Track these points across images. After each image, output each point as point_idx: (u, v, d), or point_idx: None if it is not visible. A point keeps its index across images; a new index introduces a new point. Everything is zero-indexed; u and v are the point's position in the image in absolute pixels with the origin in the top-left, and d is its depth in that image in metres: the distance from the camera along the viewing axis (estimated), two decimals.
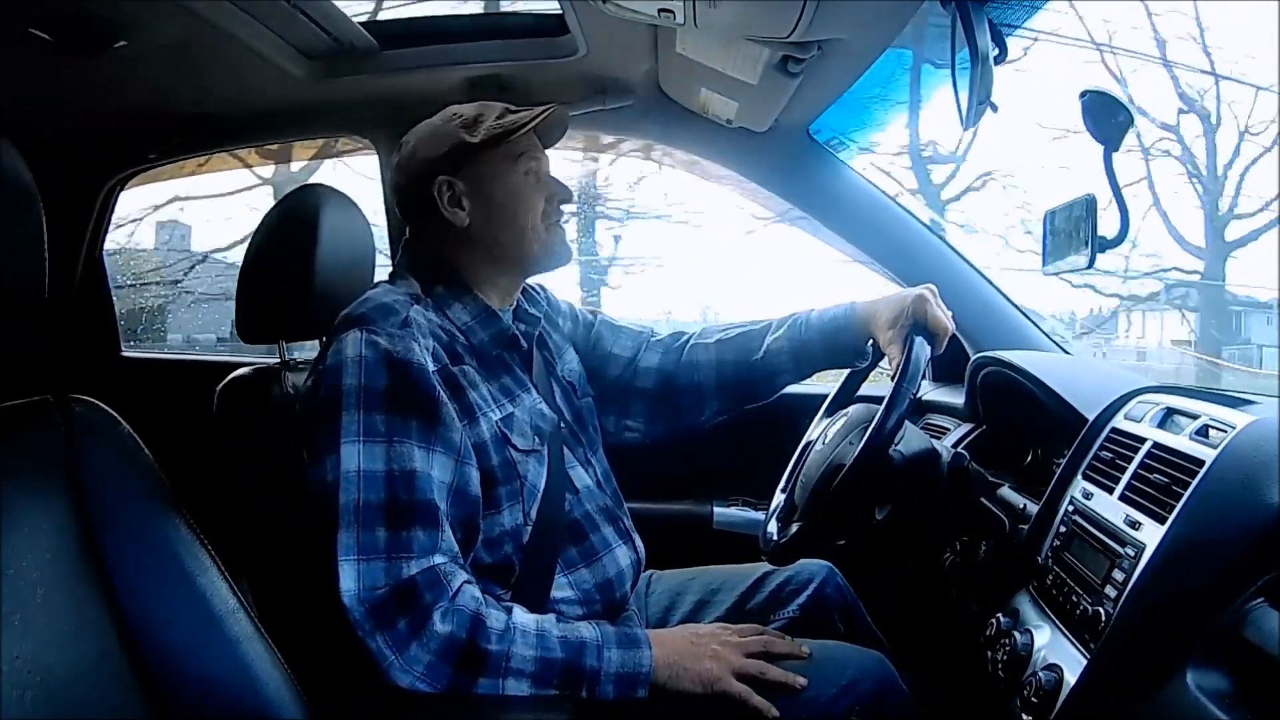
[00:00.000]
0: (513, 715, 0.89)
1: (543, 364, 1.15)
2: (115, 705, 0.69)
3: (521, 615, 0.92)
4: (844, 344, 1.19)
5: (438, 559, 0.89)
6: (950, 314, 1.12)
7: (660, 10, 1.08)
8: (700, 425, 1.27)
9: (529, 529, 1.00)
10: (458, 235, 1.07)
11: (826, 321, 1.19)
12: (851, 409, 1.17)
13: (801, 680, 0.95)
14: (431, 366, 0.95)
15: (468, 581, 0.91)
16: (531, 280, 1.18)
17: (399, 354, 0.93)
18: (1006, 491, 1.15)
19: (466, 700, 0.88)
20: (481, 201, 1.07)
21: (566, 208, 1.13)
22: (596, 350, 1.27)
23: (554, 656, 0.90)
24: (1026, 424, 1.27)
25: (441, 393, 0.94)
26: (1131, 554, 0.82)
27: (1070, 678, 0.82)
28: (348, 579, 0.87)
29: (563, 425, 1.11)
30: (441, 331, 1.01)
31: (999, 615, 0.98)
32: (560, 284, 1.25)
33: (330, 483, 0.90)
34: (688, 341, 1.27)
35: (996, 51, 0.98)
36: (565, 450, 1.08)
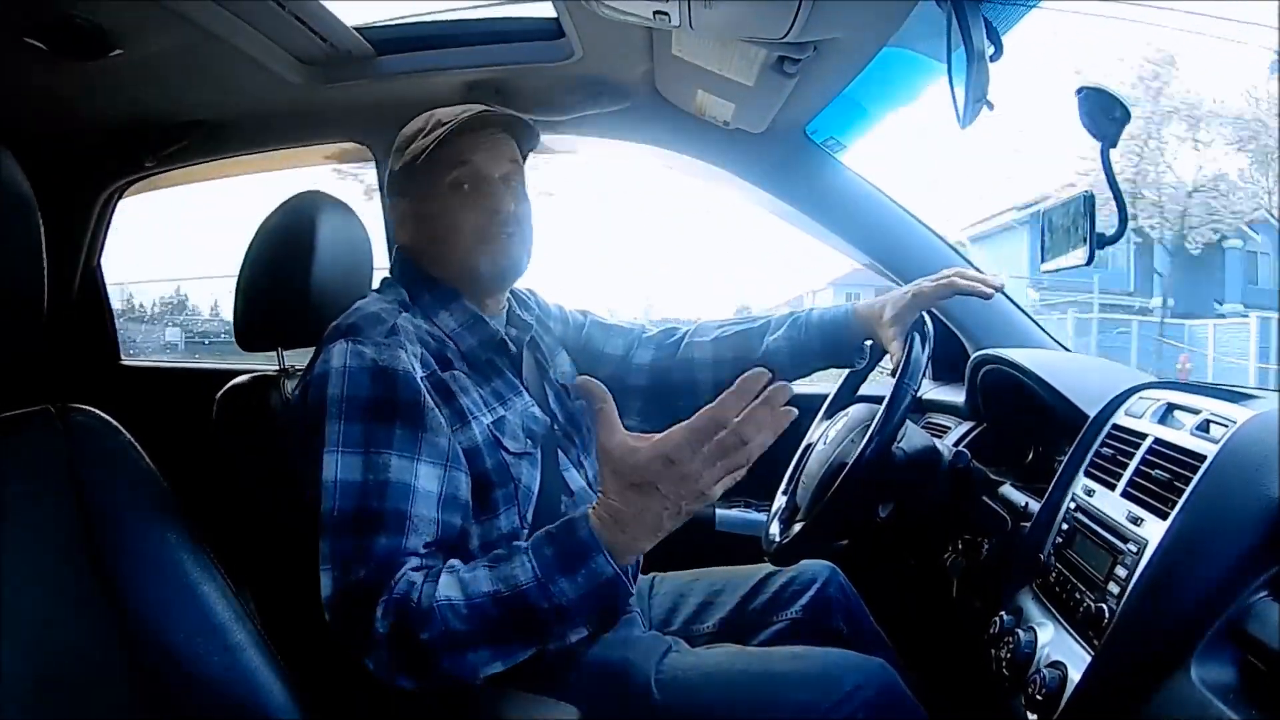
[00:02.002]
0: (515, 714, 0.88)
1: (535, 367, 1.15)
2: (118, 711, 0.69)
3: (448, 587, 0.84)
4: (844, 344, 1.19)
5: (395, 560, 0.86)
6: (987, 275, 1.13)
7: (655, 12, 1.08)
8: None
9: (525, 532, 1.00)
10: (413, 254, 1.08)
11: (826, 322, 1.19)
12: (852, 409, 1.17)
13: (793, 410, 0.80)
14: (420, 373, 0.95)
15: (413, 568, 0.86)
16: (520, 284, 1.17)
17: (384, 363, 0.93)
18: (1008, 489, 1.15)
19: (469, 703, 0.88)
20: (416, 222, 1.07)
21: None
22: (588, 350, 1.27)
23: (493, 616, 0.82)
24: (1027, 422, 1.27)
25: (428, 399, 0.94)
26: (1134, 550, 0.82)
27: (1074, 675, 0.82)
28: (325, 587, 0.86)
29: (556, 428, 1.10)
30: (430, 338, 1.01)
31: (1002, 614, 0.98)
32: None
33: (315, 492, 0.90)
34: (682, 339, 1.27)
35: (992, 50, 0.98)
36: (559, 453, 1.08)
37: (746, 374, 0.79)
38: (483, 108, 1.06)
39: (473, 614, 0.82)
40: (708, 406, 0.80)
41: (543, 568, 0.83)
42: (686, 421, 0.81)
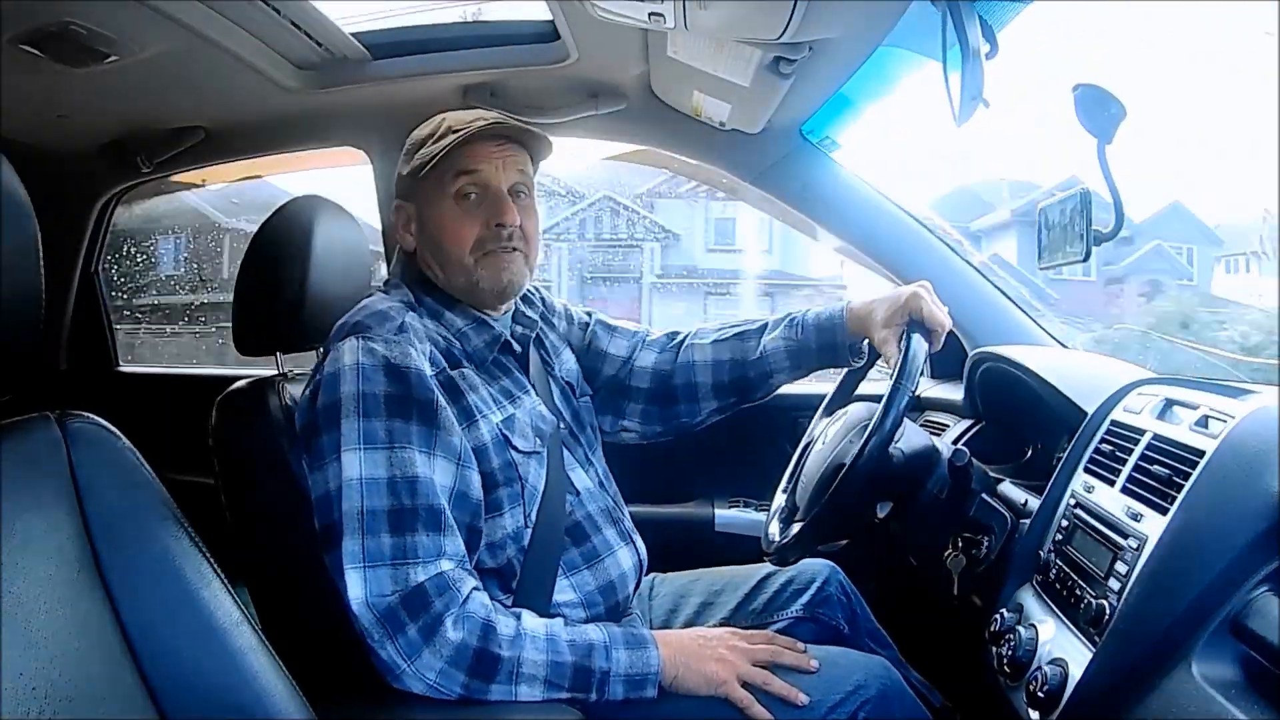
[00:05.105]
0: (517, 716, 0.89)
1: (540, 364, 1.15)
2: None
3: (530, 620, 0.93)
4: (840, 343, 1.19)
5: (445, 565, 0.89)
6: (946, 309, 1.13)
7: (650, 14, 1.08)
8: (696, 425, 1.27)
9: (530, 531, 1.00)
10: (416, 259, 1.08)
11: (822, 321, 1.20)
12: (851, 408, 1.17)
13: (803, 698, 0.95)
14: (429, 371, 0.95)
15: (476, 588, 0.91)
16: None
17: (396, 359, 0.93)
18: (1007, 487, 1.15)
19: (471, 707, 0.88)
20: (421, 228, 1.07)
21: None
22: (592, 349, 1.27)
23: (563, 660, 0.90)
24: (1026, 418, 1.27)
25: (440, 397, 0.94)
26: (1134, 546, 0.82)
27: (1076, 672, 0.82)
28: (355, 587, 0.87)
29: (562, 426, 1.11)
30: (438, 337, 1.01)
31: (1003, 611, 0.98)
32: None
33: (333, 491, 0.90)
34: (683, 341, 1.27)
35: (988, 48, 0.98)
36: (565, 451, 1.08)
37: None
38: (495, 117, 1.05)
39: (549, 647, 0.91)
40: (789, 641, 1.02)
41: (611, 637, 0.94)
42: (776, 637, 1.03)
